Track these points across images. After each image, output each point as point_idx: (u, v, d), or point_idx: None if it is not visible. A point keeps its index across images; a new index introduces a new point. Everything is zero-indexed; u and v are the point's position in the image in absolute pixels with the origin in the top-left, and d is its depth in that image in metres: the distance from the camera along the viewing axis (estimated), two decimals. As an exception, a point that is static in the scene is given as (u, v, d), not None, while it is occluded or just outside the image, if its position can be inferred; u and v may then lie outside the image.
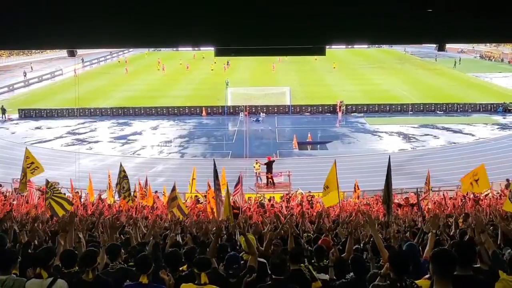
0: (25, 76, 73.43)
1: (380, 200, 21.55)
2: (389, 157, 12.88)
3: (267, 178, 28.96)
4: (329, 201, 16.93)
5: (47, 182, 15.29)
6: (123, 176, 18.63)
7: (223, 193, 15.88)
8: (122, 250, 7.10)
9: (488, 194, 20.96)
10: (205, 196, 20.80)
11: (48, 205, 14.49)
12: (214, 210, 16.50)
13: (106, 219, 11.34)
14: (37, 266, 5.87)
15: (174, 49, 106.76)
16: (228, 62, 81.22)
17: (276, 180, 29.00)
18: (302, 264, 6.47)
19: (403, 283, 4.85)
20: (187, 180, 23.81)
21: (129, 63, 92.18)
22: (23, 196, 19.06)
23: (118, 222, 10.78)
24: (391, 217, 12.12)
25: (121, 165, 19.23)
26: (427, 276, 5.38)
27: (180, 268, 6.68)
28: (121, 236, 10.11)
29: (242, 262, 6.89)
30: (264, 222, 12.08)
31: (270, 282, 5.59)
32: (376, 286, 5.12)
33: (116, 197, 20.66)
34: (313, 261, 7.54)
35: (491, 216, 13.34)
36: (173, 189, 16.53)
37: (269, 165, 29.09)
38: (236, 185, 20.14)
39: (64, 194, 16.61)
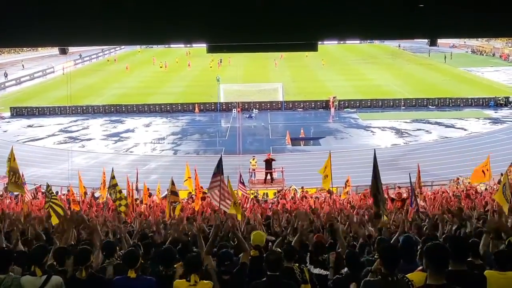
0: (6, 77, 71.88)
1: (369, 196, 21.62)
2: (375, 151, 12.91)
3: (266, 174, 28.79)
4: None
5: (48, 185, 15.07)
6: (114, 184, 18.07)
7: (227, 188, 15.49)
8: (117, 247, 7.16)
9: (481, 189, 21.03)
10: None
11: (47, 208, 14.31)
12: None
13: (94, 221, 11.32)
14: (32, 264, 5.89)
15: (166, 46, 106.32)
16: (220, 60, 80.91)
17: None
18: (296, 264, 6.49)
19: (394, 277, 4.88)
20: (181, 176, 23.71)
21: (121, 61, 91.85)
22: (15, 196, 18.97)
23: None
24: (382, 208, 12.09)
25: (112, 171, 18.83)
26: (420, 268, 5.41)
27: (175, 265, 6.70)
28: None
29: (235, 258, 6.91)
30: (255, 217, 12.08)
31: (265, 278, 5.61)
32: (367, 282, 5.15)
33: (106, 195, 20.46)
34: (313, 257, 7.58)
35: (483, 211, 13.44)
36: (172, 183, 16.42)
37: (268, 162, 28.86)
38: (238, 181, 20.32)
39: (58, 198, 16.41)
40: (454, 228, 9.40)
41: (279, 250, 6.35)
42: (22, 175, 18.19)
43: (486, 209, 13.64)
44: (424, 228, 9.67)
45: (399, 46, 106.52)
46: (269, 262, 5.59)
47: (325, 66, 78.16)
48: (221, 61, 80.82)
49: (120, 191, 17.12)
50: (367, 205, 16.81)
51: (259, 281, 5.62)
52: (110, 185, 17.70)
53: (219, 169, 15.16)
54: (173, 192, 16.45)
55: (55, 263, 6.31)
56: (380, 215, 11.87)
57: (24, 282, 5.71)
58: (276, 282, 5.52)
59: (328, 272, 6.80)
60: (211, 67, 78.71)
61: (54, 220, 13.22)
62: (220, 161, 15.25)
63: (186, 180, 22.40)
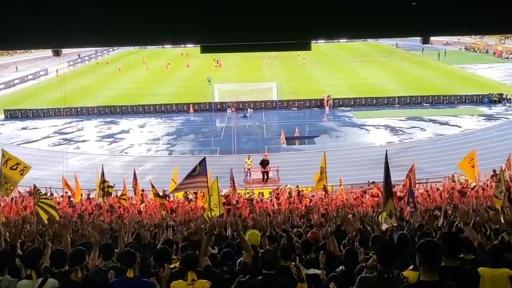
0: None
1: (368, 193, 21.74)
2: (386, 152, 12.60)
3: (263, 174, 28.83)
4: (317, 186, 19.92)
5: (35, 187, 15.09)
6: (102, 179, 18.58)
7: (213, 190, 15.56)
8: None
9: (475, 186, 21.11)
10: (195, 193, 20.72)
11: (35, 211, 14.33)
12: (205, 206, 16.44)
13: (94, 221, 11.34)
14: (27, 267, 5.88)
15: (160, 46, 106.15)
16: (215, 60, 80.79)
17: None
18: (292, 263, 6.51)
19: (390, 274, 4.91)
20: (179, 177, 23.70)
21: (115, 62, 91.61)
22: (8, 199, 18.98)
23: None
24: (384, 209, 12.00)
25: (102, 168, 19.05)
26: (411, 267, 5.47)
27: (172, 265, 6.71)
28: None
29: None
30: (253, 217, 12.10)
31: (261, 277, 5.62)
32: (363, 278, 5.17)
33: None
34: (302, 256, 7.61)
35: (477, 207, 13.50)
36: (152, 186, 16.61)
37: (264, 163, 28.88)
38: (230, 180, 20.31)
39: (51, 198, 16.50)
40: (444, 222, 9.45)
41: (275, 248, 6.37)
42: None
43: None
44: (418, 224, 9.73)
45: (396, 45, 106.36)
46: (264, 260, 5.60)
47: (319, 65, 78.01)
48: (217, 62, 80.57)
49: (107, 187, 17.70)
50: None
51: (255, 280, 5.64)
52: (101, 183, 18.14)
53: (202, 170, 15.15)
54: (156, 194, 16.61)
55: (50, 265, 6.31)
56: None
57: (20, 285, 5.71)
58: (272, 280, 5.53)
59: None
60: (216, 66, 78.60)
61: (45, 218, 13.26)
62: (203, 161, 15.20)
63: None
